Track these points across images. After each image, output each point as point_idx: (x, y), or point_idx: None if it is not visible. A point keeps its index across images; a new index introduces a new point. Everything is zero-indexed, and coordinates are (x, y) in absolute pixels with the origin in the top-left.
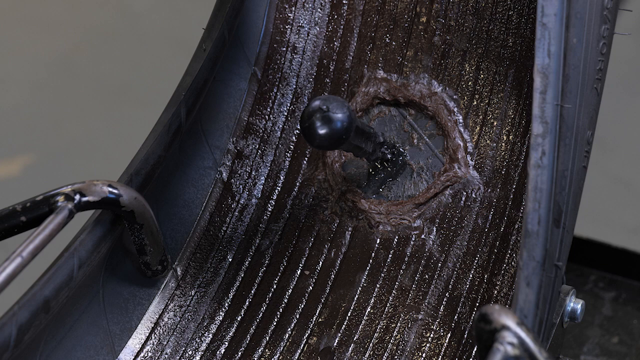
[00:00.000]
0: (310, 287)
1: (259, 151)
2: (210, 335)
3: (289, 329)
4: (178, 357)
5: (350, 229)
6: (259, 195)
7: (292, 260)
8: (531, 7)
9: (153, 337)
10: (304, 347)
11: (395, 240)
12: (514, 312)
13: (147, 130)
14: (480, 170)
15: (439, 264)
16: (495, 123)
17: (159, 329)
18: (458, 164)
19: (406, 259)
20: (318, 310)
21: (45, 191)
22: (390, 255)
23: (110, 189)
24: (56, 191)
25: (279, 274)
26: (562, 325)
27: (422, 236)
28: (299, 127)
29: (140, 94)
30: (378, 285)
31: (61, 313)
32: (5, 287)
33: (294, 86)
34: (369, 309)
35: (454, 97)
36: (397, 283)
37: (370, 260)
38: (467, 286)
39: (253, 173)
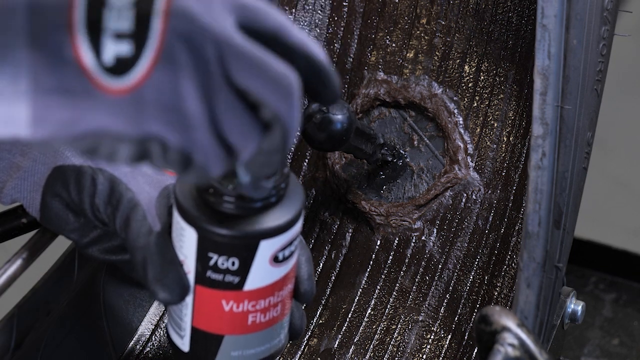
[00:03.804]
0: None
1: None
2: None
3: None
4: None
5: (350, 230)
6: None
7: None
8: (531, 9)
9: (154, 339)
10: (304, 348)
11: (396, 241)
12: (514, 314)
13: None
14: (481, 171)
15: (440, 266)
16: (495, 124)
17: (159, 330)
18: (458, 166)
19: (406, 260)
20: (318, 312)
21: None
22: (390, 257)
23: None
24: None
25: None
26: (563, 327)
27: (423, 238)
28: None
29: None
30: (378, 287)
31: (61, 315)
32: (6, 289)
33: None
34: (369, 311)
35: (454, 98)
36: (397, 284)
37: (371, 262)
38: (468, 287)
39: None
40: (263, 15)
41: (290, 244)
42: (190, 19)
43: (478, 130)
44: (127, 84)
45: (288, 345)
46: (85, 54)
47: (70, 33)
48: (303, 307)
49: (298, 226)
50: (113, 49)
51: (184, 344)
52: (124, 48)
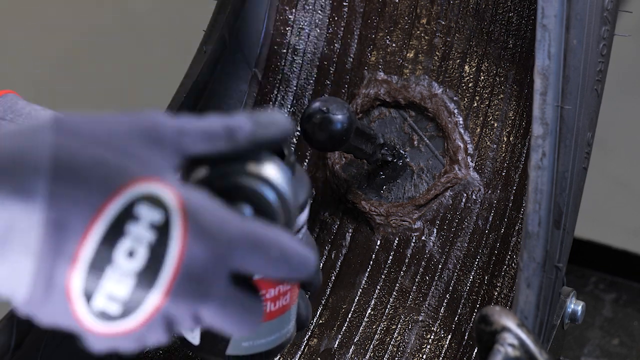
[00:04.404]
0: None
1: None
2: None
3: None
4: (179, 359)
5: (350, 230)
6: None
7: None
8: (531, 9)
9: None
10: (304, 348)
11: (396, 241)
12: (514, 314)
13: None
14: (481, 171)
15: (439, 266)
16: (495, 124)
17: None
18: (458, 166)
19: (406, 260)
20: (318, 312)
21: None
22: (390, 257)
23: None
24: None
25: None
26: (563, 327)
27: (423, 238)
28: (299, 129)
29: (141, 95)
30: (378, 287)
31: None
32: None
33: (295, 88)
34: (369, 311)
35: (455, 98)
36: (397, 284)
37: (371, 262)
38: (468, 287)
39: None
40: (256, 263)
41: (297, 231)
42: (180, 303)
43: (478, 130)
44: (108, 330)
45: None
46: (76, 295)
47: (72, 267)
48: (308, 296)
49: (305, 214)
50: (102, 304)
51: (194, 338)
52: (113, 309)
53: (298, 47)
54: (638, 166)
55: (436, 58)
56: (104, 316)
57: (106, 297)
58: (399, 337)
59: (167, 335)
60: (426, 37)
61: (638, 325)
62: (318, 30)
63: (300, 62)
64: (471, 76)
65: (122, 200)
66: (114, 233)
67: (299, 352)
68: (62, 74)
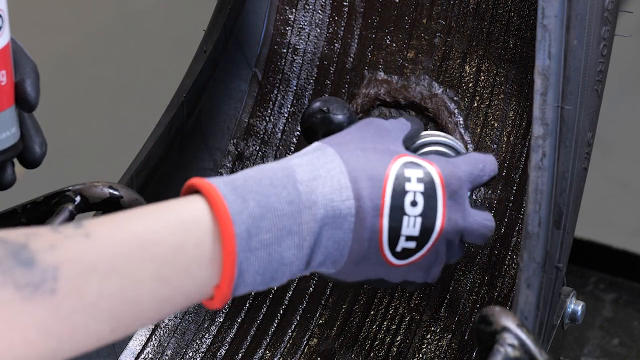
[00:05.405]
0: (311, 288)
1: (260, 153)
2: (211, 337)
3: (290, 331)
4: (178, 359)
5: None
6: None
7: None
8: (531, 9)
9: (154, 339)
10: (304, 348)
11: None
12: (514, 314)
13: (148, 131)
14: None
15: None
16: (495, 125)
17: (159, 330)
18: None
19: None
20: (319, 312)
21: (45, 192)
22: None
23: (111, 191)
24: (56, 192)
25: None
26: (563, 327)
27: None
28: (299, 129)
29: (141, 95)
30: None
31: None
32: None
33: (295, 88)
34: (369, 311)
35: (455, 98)
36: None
37: None
38: (468, 287)
39: None
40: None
41: None
42: (455, 231)
43: (478, 130)
44: (404, 262)
45: (288, 344)
46: (386, 252)
47: (381, 248)
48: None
49: None
50: (403, 245)
51: None
52: (411, 245)
53: (298, 47)
54: (638, 166)
55: (436, 58)
56: (403, 253)
57: (405, 239)
58: (399, 337)
59: (444, 259)
60: (426, 37)
61: (638, 325)
62: (318, 30)
63: (301, 61)
64: (471, 76)
65: (398, 164)
66: (400, 192)
67: (299, 352)
68: (62, 74)
